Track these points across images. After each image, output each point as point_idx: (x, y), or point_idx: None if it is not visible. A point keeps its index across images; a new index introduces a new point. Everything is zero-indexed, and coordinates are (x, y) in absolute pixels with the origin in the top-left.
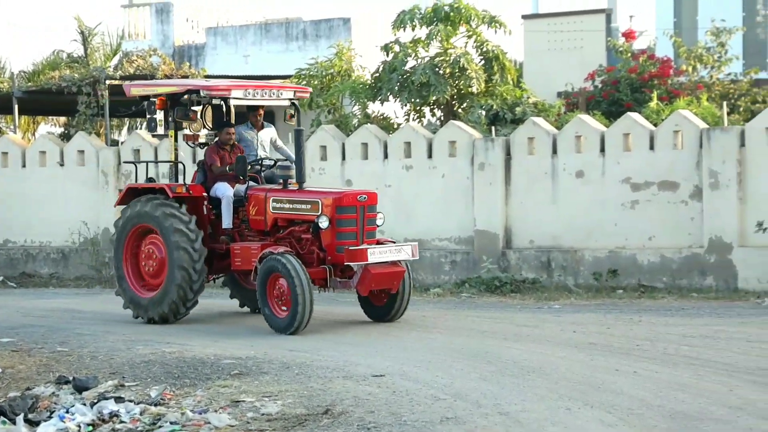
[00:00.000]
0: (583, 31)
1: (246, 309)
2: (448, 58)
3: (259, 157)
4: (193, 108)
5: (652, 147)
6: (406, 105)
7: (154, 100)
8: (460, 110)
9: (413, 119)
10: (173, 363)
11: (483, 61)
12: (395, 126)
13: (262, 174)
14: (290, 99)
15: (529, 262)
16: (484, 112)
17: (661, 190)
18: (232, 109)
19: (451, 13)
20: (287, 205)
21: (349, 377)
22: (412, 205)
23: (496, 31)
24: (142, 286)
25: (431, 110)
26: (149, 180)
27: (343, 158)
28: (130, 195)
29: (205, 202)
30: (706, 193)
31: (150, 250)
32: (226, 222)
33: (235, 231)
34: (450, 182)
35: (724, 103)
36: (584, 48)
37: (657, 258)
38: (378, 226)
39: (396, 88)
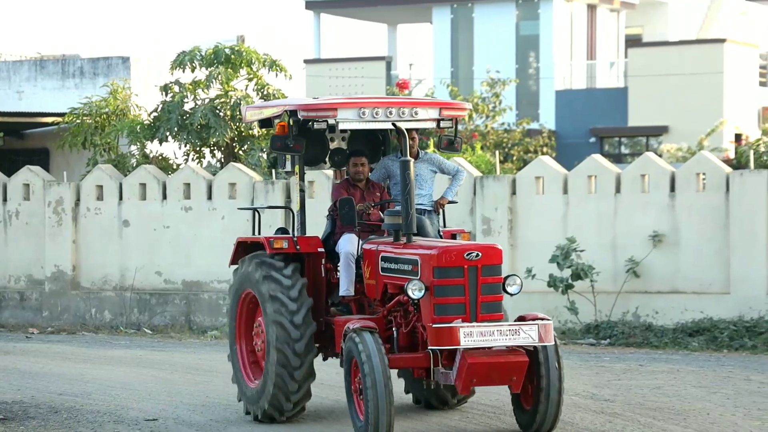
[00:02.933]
0: (363, 77)
1: (420, 405)
2: (228, 101)
3: (390, 199)
4: (297, 136)
5: None
6: (185, 146)
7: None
8: (240, 152)
9: (193, 160)
10: None
11: None
12: (175, 167)
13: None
14: (435, 120)
15: None
16: (264, 155)
17: None
18: (334, 136)
19: (232, 56)
20: (393, 266)
21: (120, 421)
22: (191, 246)
23: (276, 75)
24: (253, 371)
25: (211, 152)
26: (281, 231)
27: (120, 198)
28: (241, 251)
29: (323, 261)
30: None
31: (259, 324)
32: (343, 287)
33: (352, 300)
34: (229, 224)
35: (497, 151)
36: (365, 94)
37: None
38: (510, 294)
39: (175, 128)
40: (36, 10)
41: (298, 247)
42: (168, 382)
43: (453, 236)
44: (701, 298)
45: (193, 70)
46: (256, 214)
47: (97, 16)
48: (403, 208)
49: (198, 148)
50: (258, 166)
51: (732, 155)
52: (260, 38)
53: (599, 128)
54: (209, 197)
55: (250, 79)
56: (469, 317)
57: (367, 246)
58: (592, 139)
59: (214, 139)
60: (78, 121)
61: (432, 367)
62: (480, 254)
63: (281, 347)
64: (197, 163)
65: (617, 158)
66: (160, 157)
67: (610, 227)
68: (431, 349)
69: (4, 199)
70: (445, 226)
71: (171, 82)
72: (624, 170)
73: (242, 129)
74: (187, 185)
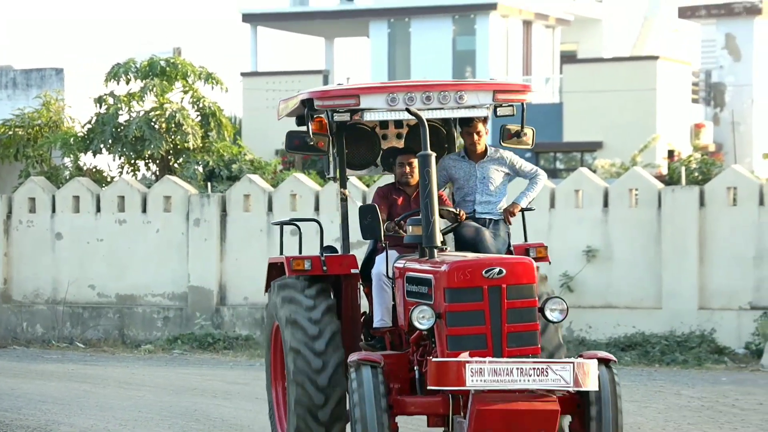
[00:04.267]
0: (300, 90)
1: None
2: (163, 113)
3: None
4: (315, 133)
5: None
6: (120, 158)
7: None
8: (176, 165)
9: (127, 173)
10: None
11: (200, 117)
12: (109, 179)
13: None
14: (489, 106)
15: (243, 318)
16: (200, 168)
17: None
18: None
19: (167, 68)
20: (415, 288)
21: None
22: (126, 260)
23: (212, 88)
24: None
25: (146, 164)
26: (328, 250)
27: (53, 211)
28: (275, 275)
29: (360, 284)
30: None
31: None
32: (377, 317)
33: (387, 332)
34: (164, 237)
35: None
36: None
37: None
38: (552, 321)
39: (110, 140)
40: None
41: (324, 268)
42: (100, 397)
43: (526, 252)
44: (634, 313)
45: (127, 82)
46: (296, 229)
47: (30, 26)
48: (423, 216)
49: (133, 161)
50: (193, 179)
51: (665, 171)
52: (197, 50)
53: (536, 143)
54: (144, 210)
55: (185, 92)
56: (491, 351)
57: (398, 264)
58: (528, 154)
59: (149, 152)
60: (10, 132)
61: (450, 414)
62: (504, 271)
63: (300, 380)
64: (132, 176)
65: (552, 173)
66: (93, 170)
67: (544, 242)
68: (448, 392)
69: None
70: (525, 239)
71: (105, 94)
72: (558, 185)
73: (177, 142)
74: (122, 198)
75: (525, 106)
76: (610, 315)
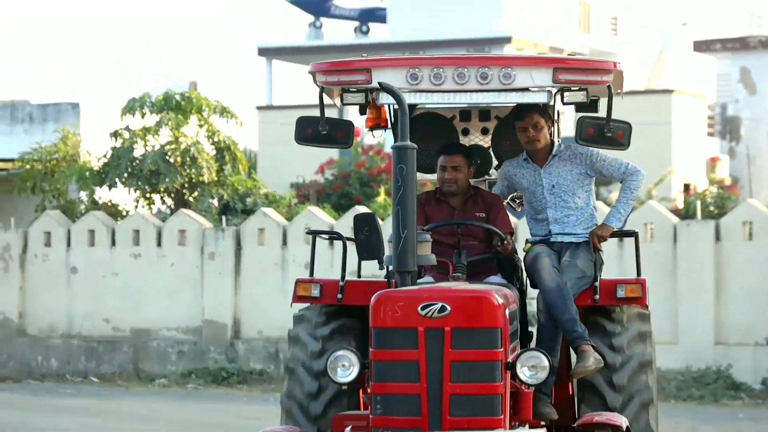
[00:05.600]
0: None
1: None
2: (178, 147)
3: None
4: (374, 126)
5: None
6: (135, 192)
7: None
8: (190, 199)
9: (143, 207)
10: None
11: (215, 151)
12: (124, 213)
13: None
14: (550, 89)
15: (258, 352)
16: (215, 202)
17: None
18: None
19: (182, 102)
20: None
21: None
22: (140, 294)
23: (227, 121)
24: None
25: (161, 198)
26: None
27: (69, 245)
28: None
29: None
30: None
31: None
32: None
33: None
34: (179, 271)
35: None
36: None
37: None
38: (527, 384)
39: (125, 174)
40: None
41: (340, 296)
42: (115, 430)
43: (614, 290)
44: None
45: (143, 116)
46: (341, 244)
47: (47, 62)
48: (393, 228)
49: (148, 195)
50: (208, 213)
51: (680, 205)
52: (213, 84)
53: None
54: (159, 244)
55: (200, 126)
56: (425, 421)
57: None
58: None
59: (164, 186)
60: (27, 166)
61: None
62: (448, 308)
63: (289, 407)
64: (147, 210)
65: None
66: (109, 204)
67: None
68: None
69: None
70: (638, 271)
71: (121, 128)
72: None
73: (192, 175)
74: (137, 232)
75: (612, 91)
76: None
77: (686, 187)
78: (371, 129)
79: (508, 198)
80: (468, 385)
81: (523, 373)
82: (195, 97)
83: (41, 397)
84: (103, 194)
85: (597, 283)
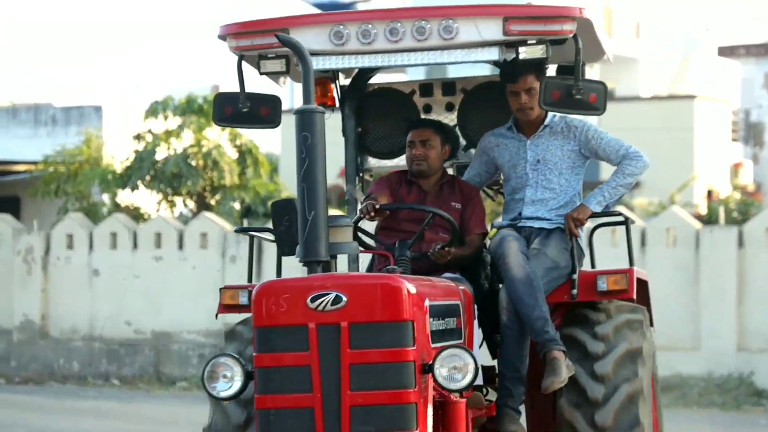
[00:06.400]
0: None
1: None
2: (200, 150)
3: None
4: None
5: None
6: (157, 195)
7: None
8: (212, 202)
9: (165, 210)
10: None
11: (237, 155)
12: (146, 216)
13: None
14: (501, 44)
15: None
16: (237, 205)
17: None
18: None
19: (205, 106)
20: None
21: None
22: (162, 296)
23: None
24: None
25: (183, 201)
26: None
27: (91, 248)
28: None
29: None
30: None
31: None
32: None
33: None
34: (200, 274)
35: None
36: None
37: None
38: (450, 390)
39: (147, 177)
40: (7, 59)
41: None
42: None
43: (594, 281)
44: (671, 354)
45: (165, 119)
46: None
47: (69, 64)
48: (299, 209)
49: (170, 198)
50: (230, 216)
51: (703, 211)
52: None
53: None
54: (180, 247)
55: (222, 129)
56: None
57: None
58: None
59: (186, 189)
60: (51, 169)
61: None
62: (344, 298)
63: None
64: (169, 213)
65: None
66: (131, 206)
67: None
68: None
69: None
70: (592, 263)
71: (143, 131)
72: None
73: (214, 179)
74: (158, 234)
75: (579, 44)
76: None
77: (709, 193)
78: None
79: (485, 184)
80: (372, 393)
81: (441, 375)
82: None
83: (63, 399)
84: (125, 197)
85: (575, 276)
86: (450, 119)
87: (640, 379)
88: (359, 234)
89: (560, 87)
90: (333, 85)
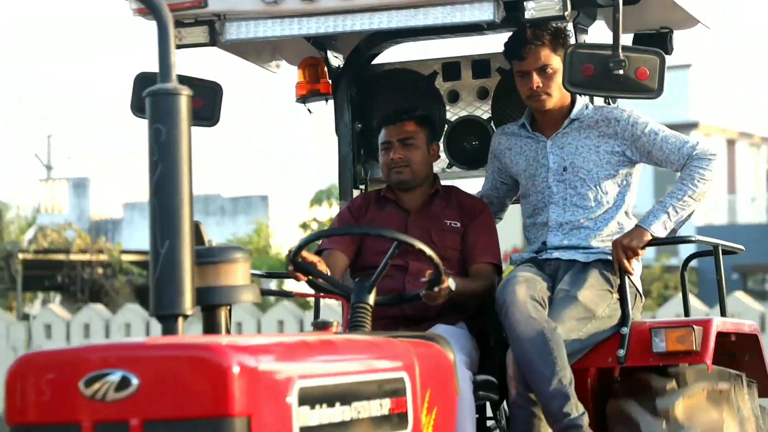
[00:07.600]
0: None
1: None
2: None
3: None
4: (314, 91)
5: None
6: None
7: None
8: None
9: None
10: None
11: None
12: (311, 304)
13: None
14: (488, 23)
15: None
16: None
17: None
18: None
19: None
20: None
21: None
22: None
23: None
24: None
25: None
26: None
27: (258, 330)
28: None
29: None
30: None
31: None
32: None
33: None
34: None
35: None
36: None
37: None
38: None
39: None
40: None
41: None
42: None
43: (648, 338)
44: None
45: (330, 207)
46: None
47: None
48: (150, 243)
49: None
50: None
51: None
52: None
53: (741, 264)
54: None
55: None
56: None
57: None
58: (735, 276)
59: None
60: None
61: None
62: (134, 380)
63: None
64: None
65: (761, 295)
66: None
67: None
68: None
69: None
70: (686, 311)
71: (309, 220)
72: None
73: None
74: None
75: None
76: None
77: None
78: (303, 100)
79: (508, 201)
80: None
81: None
82: None
83: None
84: (292, 285)
85: (625, 330)
86: (483, 110)
87: None
88: (309, 274)
89: (593, 59)
90: (326, 68)
